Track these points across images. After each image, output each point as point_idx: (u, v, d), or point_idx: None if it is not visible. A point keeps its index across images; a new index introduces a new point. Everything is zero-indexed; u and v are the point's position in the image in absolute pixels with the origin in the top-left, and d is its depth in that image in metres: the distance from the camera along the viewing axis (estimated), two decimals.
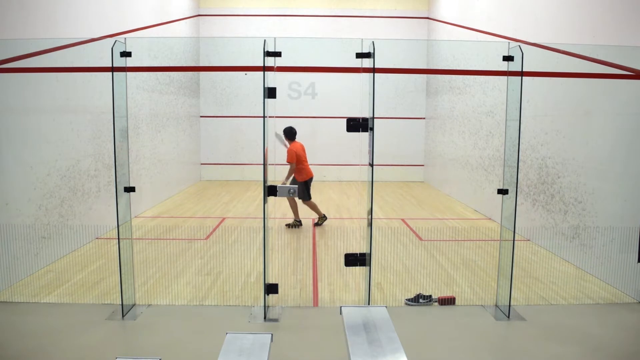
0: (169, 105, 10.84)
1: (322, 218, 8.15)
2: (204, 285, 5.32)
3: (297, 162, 7.88)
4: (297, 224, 8.05)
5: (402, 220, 8.77)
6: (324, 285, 5.37)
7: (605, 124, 5.62)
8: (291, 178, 8.01)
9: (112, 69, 4.25)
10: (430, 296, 4.86)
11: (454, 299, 4.87)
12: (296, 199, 7.95)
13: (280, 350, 3.80)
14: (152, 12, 9.90)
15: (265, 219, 4.37)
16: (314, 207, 8.10)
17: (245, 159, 13.63)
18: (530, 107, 6.96)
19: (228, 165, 13.81)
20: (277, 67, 4.40)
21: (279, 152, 7.95)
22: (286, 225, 8.06)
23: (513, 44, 4.51)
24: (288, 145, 7.96)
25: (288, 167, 7.94)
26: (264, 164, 4.35)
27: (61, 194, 6.21)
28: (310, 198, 8.12)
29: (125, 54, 4.38)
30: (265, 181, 4.33)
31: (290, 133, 8.08)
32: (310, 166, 8.22)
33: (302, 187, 7.97)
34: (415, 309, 4.74)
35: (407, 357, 2.67)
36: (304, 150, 8.11)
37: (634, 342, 4.17)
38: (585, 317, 4.58)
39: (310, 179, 8.20)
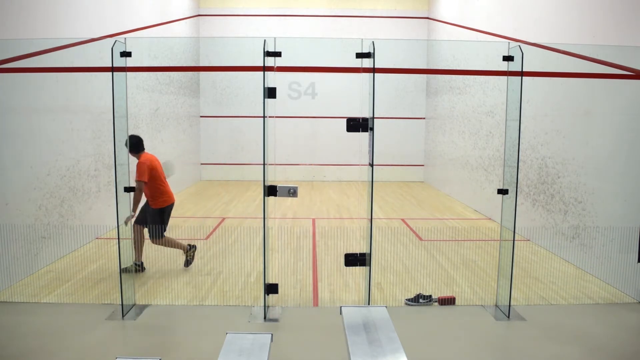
0: (169, 105, 10.84)
1: (191, 249, 5.80)
2: (204, 285, 5.32)
3: (151, 181, 5.53)
4: (137, 267, 5.56)
5: (402, 220, 8.77)
6: (324, 285, 5.36)
7: (605, 124, 5.62)
8: (139, 206, 5.55)
9: (112, 69, 4.25)
10: (430, 296, 4.86)
11: (454, 299, 4.86)
12: (146, 234, 5.71)
13: (280, 350, 3.80)
14: (152, 12, 9.90)
15: (265, 219, 4.37)
16: (172, 244, 5.68)
17: (245, 159, 13.63)
18: (530, 107, 6.95)
19: (228, 165, 13.80)
20: (277, 67, 4.40)
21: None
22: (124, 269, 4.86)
23: (513, 44, 4.51)
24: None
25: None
26: (264, 164, 4.35)
27: (61, 194, 6.21)
28: (163, 235, 5.60)
29: (125, 54, 4.38)
30: (265, 181, 4.33)
31: (134, 143, 5.56)
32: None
33: (157, 218, 5.59)
34: (415, 309, 4.74)
35: (407, 357, 2.66)
36: (159, 165, 5.75)
37: (634, 342, 4.17)
38: (585, 317, 4.58)
39: (170, 206, 5.78)
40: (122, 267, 4.99)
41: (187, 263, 5.80)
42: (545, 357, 3.84)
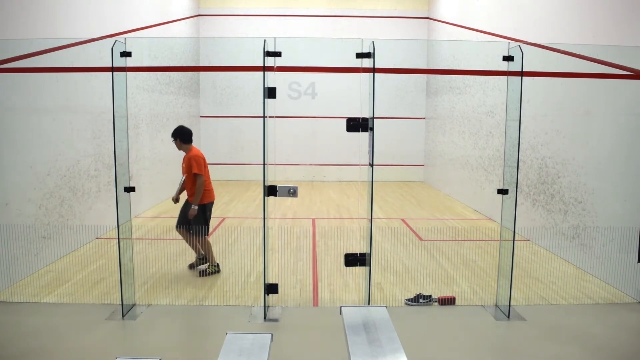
0: (169, 105, 10.84)
1: (214, 266, 5.63)
2: (204, 285, 5.32)
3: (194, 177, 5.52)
4: (214, 269, 5.62)
5: (402, 220, 8.77)
6: (324, 285, 5.36)
7: (605, 124, 5.62)
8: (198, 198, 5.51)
9: (112, 69, 4.25)
10: (430, 296, 4.86)
11: (454, 299, 4.86)
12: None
13: (280, 350, 3.80)
14: (152, 12, 9.90)
15: (265, 219, 4.37)
16: (208, 249, 5.60)
17: (245, 159, 13.63)
18: (530, 107, 6.95)
19: (228, 165, 13.80)
20: (277, 67, 4.40)
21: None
22: (190, 265, 5.82)
23: (513, 44, 4.51)
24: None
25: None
26: (264, 164, 4.36)
27: (61, 194, 6.21)
28: (208, 232, 5.62)
29: (125, 54, 4.38)
30: (265, 181, 4.33)
31: (183, 134, 5.63)
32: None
33: (201, 215, 5.52)
34: (415, 309, 4.74)
35: (407, 357, 2.66)
36: (205, 161, 5.71)
37: (634, 342, 4.17)
38: (585, 317, 4.58)
39: (211, 204, 5.74)
40: (192, 265, 5.73)
41: (194, 267, 5.77)
42: (545, 357, 3.84)
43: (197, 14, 13.44)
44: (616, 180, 5.41)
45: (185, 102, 12.11)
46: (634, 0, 5.21)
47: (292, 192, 4.48)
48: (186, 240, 5.71)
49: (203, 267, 5.69)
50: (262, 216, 4.36)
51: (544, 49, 6.15)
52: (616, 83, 5.36)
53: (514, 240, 4.50)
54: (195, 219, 5.49)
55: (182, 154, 5.84)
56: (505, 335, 4.29)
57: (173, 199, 5.76)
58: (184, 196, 5.82)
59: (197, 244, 5.64)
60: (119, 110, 4.38)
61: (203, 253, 5.68)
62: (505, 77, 4.55)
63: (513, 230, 4.49)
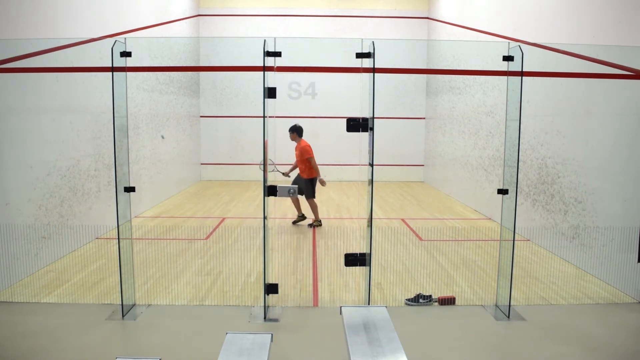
0: (169, 105, 10.84)
1: (318, 222, 8.17)
2: (204, 285, 5.32)
3: (308, 160, 8.02)
4: (301, 217, 8.33)
5: (402, 220, 8.77)
6: (324, 285, 5.36)
7: (605, 124, 5.62)
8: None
9: (112, 69, 4.26)
10: (430, 296, 4.86)
11: (454, 299, 4.87)
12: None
13: (280, 350, 3.80)
14: (152, 12, 9.90)
15: (265, 219, 4.37)
16: (315, 208, 8.13)
17: (245, 159, 13.63)
18: (530, 107, 6.96)
19: (228, 165, 13.80)
20: (277, 67, 4.40)
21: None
22: (309, 225, 8.20)
23: (513, 44, 4.51)
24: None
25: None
26: (264, 164, 4.36)
27: (61, 194, 6.21)
28: (313, 196, 8.18)
29: (125, 54, 4.38)
30: (265, 181, 4.33)
31: (299, 130, 8.23)
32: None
33: (309, 184, 8.14)
34: (415, 309, 4.74)
35: (407, 357, 2.67)
36: (311, 148, 8.27)
37: (634, 342, 4.17)
38: (585, 317, 4.58)
39: (316, 178, 8.23)
40: (293, 221, 8.34)
41: (312, 225, 8.11)
42: (545, 357, 3.84)
43: (197, 14, 13.44)
44: (616, 180, 5.41)
45: (185, 102, 12.11)
46: (633, 0, 5.21)
47: (292, 192, 4.48)
48: (293, 202, 8.31)
49: (308, 221, 8.25)
50: (262, 216, 4.36)
51: (544, 49, 6.16)
52: (616, 83, 5.36)
53: (514, 240, 4.50)
54: (306, 188, 8.00)
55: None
56: (505, 335, 4.29)
57: (284, 174, 8.35)
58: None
59: (299, 204, 8.25)
60: (119, 110, 4.38)
61: (302, 214, 8.29)
62: (505, 77, 4.55)
63: (513, 230, 4.49)
